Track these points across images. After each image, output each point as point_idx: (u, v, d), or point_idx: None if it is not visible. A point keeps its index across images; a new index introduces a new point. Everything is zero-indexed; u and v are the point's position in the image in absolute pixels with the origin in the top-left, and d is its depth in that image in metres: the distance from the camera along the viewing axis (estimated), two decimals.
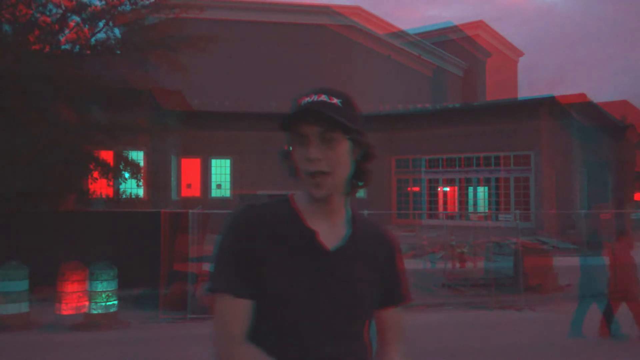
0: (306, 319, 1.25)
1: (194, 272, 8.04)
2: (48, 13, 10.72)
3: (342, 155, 1.27)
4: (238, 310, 1.26)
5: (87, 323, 7.05)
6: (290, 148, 1.30)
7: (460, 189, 20.52)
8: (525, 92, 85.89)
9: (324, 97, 1.27)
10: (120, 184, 12.50)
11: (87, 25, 11.33)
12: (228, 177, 20.58)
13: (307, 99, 1.27)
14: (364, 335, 1.36)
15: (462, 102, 29.29)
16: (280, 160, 1.34)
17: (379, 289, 1.37)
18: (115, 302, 7.27)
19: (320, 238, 1.29)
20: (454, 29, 35.73)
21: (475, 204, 20.50)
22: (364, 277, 1.33)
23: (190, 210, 8.44)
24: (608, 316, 6.56)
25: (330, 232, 1.32)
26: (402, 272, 1.43)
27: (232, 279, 1.27)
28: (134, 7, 11.26)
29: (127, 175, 11.46)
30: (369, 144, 1.34)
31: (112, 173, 11.27)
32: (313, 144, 1.25)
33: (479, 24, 36.32)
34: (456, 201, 20.77)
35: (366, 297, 1.33)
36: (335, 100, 1.27)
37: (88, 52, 11.16)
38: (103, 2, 11.03)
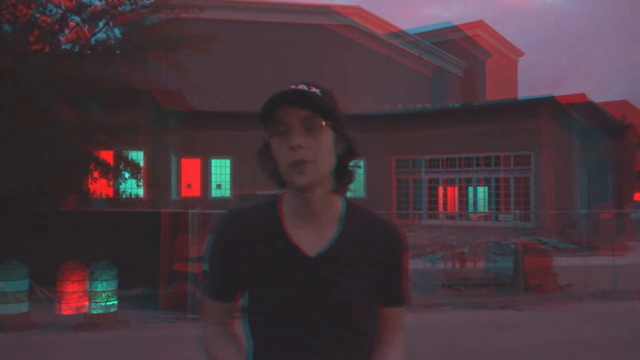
0: (288, 324, 1.24)
1: (194, 272, 8.04)
2: (48, 13, 10.72)
3: (325, 144, 1.22)
4: (217, 313, 1.32)
5: (87, 323, 7.05)
6: (269, 141, 1.26)
7: (460, 189, 20.52)
8: (525, 92, 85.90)
9: (303, 87, 1.23)
10: (120, 184, 12.50)
11: (87, 25, 11.32)
12: (228, 177, 20.57)
13: (283, 90, 1.24)
14: (360, 336, 1.29)
15: (462, 102, 29.26)
16: (257, 160, 1.30)
17: (377, 286, 1.31)
18: (115, 302, 7.27)
19: (300, 244, 1.26)
20: (454, 29, 35.71)
21: (475, 204, 20.49)
22: (352, 280, 1.27)
23: (190, 210, 8.44)
24: None
25: (316, 235, 1.27)
26: (404, 272, 1.36)
27: (214, 283, 1.31)
28: (134, 7, 11.25)
29: (127, 175, 11.46)
30: (352, 138, 1.29)
31: (112, 173, 11.27)
32: (295, 132, 1.20)
33: (479, 24, 36.28)
34: (456, 201, 20.76)
35: (354, 300, 1.27)
36: (315, 90, 1.24)
37: (88, 52, 11.15)
38: (103, 2, 11.03)
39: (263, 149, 1.29)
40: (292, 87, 1.23)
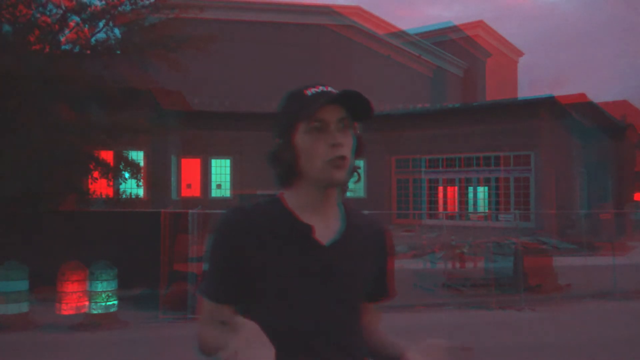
0: (306, 314, 1.26)
1: (194, 272, 8.04)
2: (48, 13, 10.73)
3: (352, 143, 1.31)
4: (215, 316, 1.29)
5: (87, 323, 7.05)
6: (290, 138, 1.29)
7: (460, 189, 20.51)
8: (525, 92, 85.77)
9: (330, 89, 1.30)
10: (120, 184, 12.50)
11: (87, 25, 11.33)
12: (228, 177, 20.57)
13: (317, 89, 1.29)
14: (361, 326, 1.38)
15: (462, 102, 29.26)
16: (271, 157, 1.33)
17: (371, 282, 1.38)
18: (115, 302, 7.27)
19: (314, 233, 1.29)
20: (454, 29, 35.70)
21: (475, 204, 20.49)
22: (359, 271, 1.33)
23: (190, 210, 8.44)
24: None
25: (325, 228, 1.31)
26: (390, 268, 1.44)
27: (214, 285, 1.30)
28: (134, 7, 11.27)
29: (127, 175, 11.47)
30: (362, 138, 1.36)
31: (112, 173, 11.28)
32: (335, 129, 1.26)
33: (479, 24, 36.28)
34: (456, 201, 20.76)
35: (362, 289, 1.35)
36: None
37: (88, 52, 11.16)
38: (103, 2, 11.04)
39: (281, 145, 1.31)
40: (320, 87, 1.30)
